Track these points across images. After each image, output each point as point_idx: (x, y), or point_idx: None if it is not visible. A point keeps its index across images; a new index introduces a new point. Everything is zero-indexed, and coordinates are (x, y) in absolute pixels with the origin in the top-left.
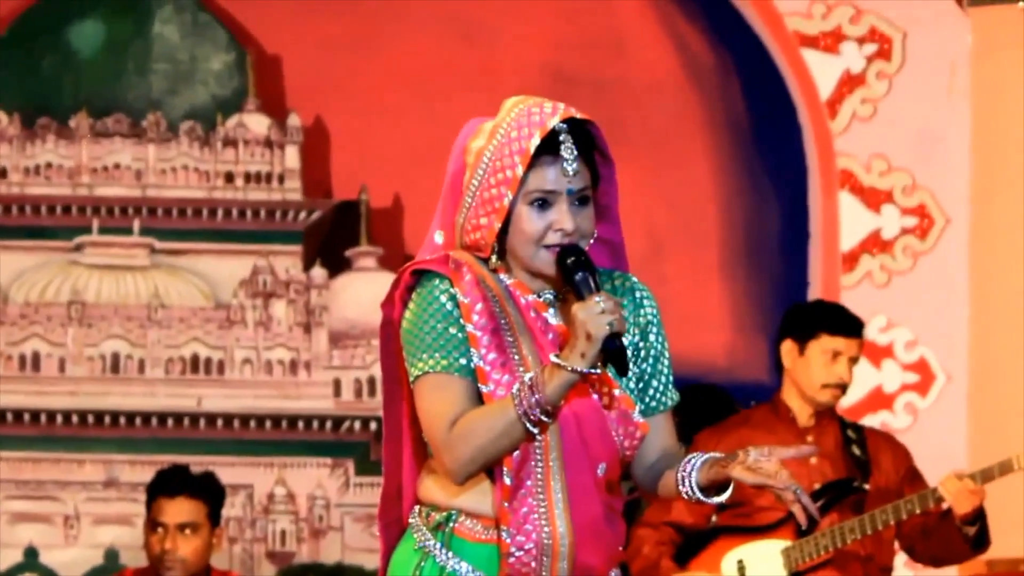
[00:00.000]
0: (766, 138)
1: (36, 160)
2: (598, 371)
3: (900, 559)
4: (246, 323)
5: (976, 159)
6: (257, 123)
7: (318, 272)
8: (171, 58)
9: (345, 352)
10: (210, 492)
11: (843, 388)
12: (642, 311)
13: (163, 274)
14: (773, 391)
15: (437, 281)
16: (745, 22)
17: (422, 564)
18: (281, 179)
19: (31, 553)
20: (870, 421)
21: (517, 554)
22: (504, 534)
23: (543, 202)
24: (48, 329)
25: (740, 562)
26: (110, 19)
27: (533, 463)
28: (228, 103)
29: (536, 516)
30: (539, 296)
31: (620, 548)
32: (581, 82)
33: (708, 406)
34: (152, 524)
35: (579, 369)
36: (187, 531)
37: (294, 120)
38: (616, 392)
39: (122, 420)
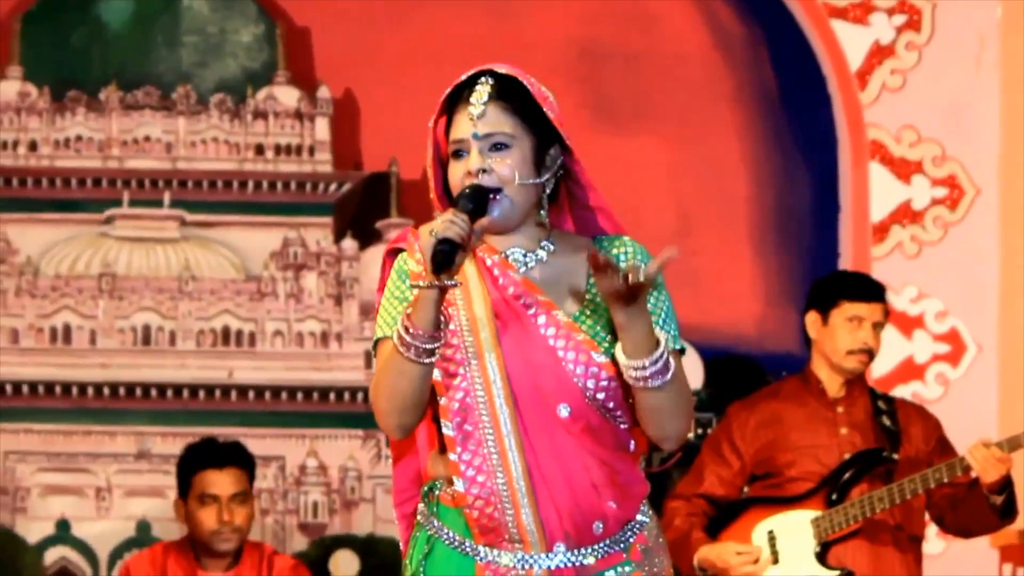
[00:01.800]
0: (796, 110)
1: (66, 133)
2: (453, 283)
3: (932, 530)
4: (277, 295)
5: (1005, 130)
6: (287, 95)
7: (349, 244)
8: (201, 30)
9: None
10: (248, 461)
11: (869, 354)
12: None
13: (194, 246)
14: (803, 362)
15: (400, 256)
16: None
17: (416, 535)
18: (311, 151)
19: (63, 525)
20: (901, 391)
21: (476, 504)
22: (458, 484)
23: (458, 152)
24: (79, 302)
25: (771, 532)
26: None
27: (478, 411)
28: (258, 75)
29: (488, 464)
30: (505, 255)
31: (610, 503)
32: (609, 55)
33: (739, 377)
34: (200, 498)
35: (428, 283)
36: (239, 501)
37: (324, 92)
38: (578, 336)
39: (153, 392)
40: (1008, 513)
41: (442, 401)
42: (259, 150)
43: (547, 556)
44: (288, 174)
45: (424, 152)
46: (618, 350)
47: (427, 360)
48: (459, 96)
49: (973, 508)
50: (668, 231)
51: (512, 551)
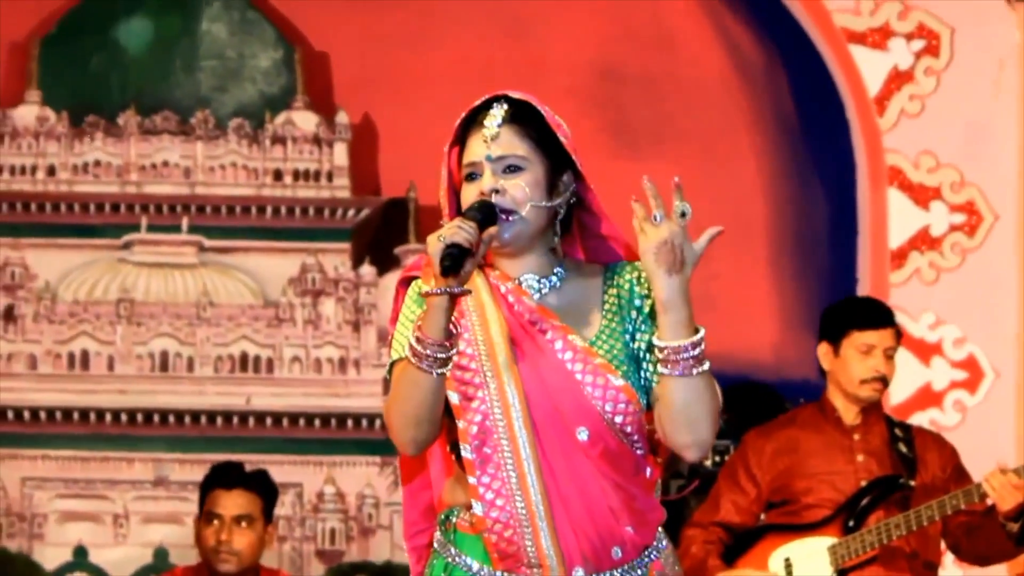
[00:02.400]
0: (814, 135)
1: (84, 158)
2: (463, 290)
3: (949, 558)
4: (295, 321)
5: None
6: (305, 120)
7: (367, 270)
8: (219, 55)
9: None
10: (265, 488)
11: (883, 381)
12: (636, 289)
13: (212, 272)
14: (821, 389)
15: (413, 283)
16: (793, 18)
17: (433, 562)
18: (330, 176)
19: (80, 552)
20: (919, 419)
21: (495, 528)
22: (477, 508)
23: (472, 175)
24: (97, 327)
25: (787, 560)
26: (158, 16)
27: (496, 435)
28: (276, 100)
29: (507, 488)
30: (519, 282)
31: (627, 528)
32: (629, 78)
33: (756, 404)
34: (207, 516)
35: (438, 290)
36: (243, 524)
37: (342, 117)
38: (596, 360)
39: (171, 418)
40: None
41: (460, 424)
42: (277, 175)
43: None
44: (306, 199)
45: (439, 177)
46: (656, 338)
47: (439, 370)
48: (472, 121)
49: (989, 536)
50: None
51: None
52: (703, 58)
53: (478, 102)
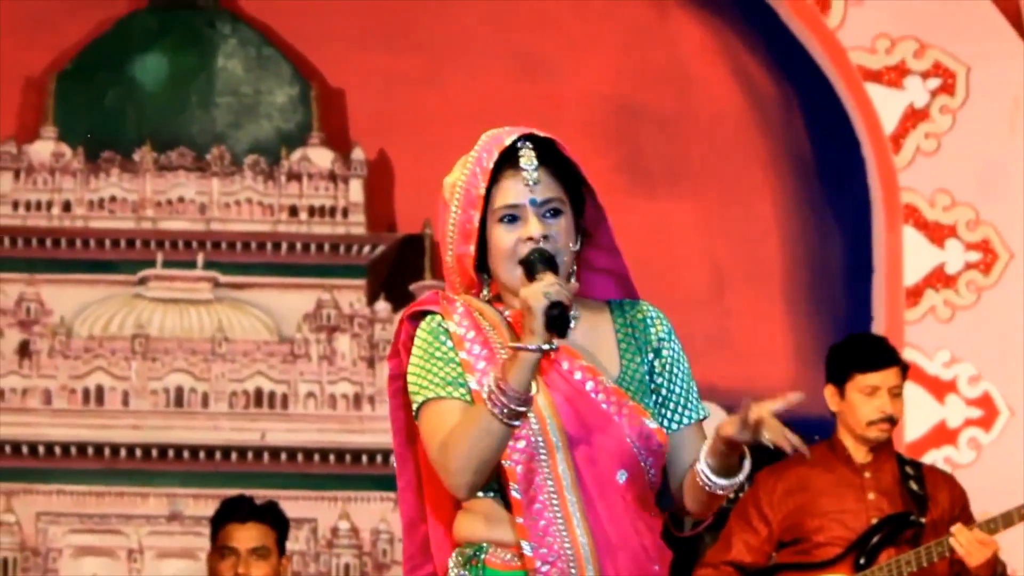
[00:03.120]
0: (830, 172)
1: (100, 193)
2: (554, 346)
3: None
4: (310, 357)
5: None
6: (321, 157)
7: (382, 306)
8: (235, 91)
9: None
10: (278, 520)
11: (890, 420)
12: (652, 330)
13: (227, 308)
14: (835, 427)
15: (430, 318)
16: (808, 56)
17: None
18: (345, 213)
19: None
20: (934, 456)
21: (543, 568)
22: (527, 548)
23: (511, 217)
24: (112, 363)
25: None
26: (174, 52)
27: (541, 476)
28: (292, 137)
29: (555, 528)
30: None
31: (656, 567)
32: (643, 116)
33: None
34: (221, 551)
35: (531, 346)
36: (258, 556)
37: (358, 154)
38: (628, 402)
39: (186, 454)
40: None
41: (506, 464)
42: (293, 211)
43: None
44: (322, 236)
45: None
46: (704, 466)
47: (516, 423)
48: (503, 161)
49: None
50: (702, 293)
51: None
52: (719, 95)
53: (505, 140)
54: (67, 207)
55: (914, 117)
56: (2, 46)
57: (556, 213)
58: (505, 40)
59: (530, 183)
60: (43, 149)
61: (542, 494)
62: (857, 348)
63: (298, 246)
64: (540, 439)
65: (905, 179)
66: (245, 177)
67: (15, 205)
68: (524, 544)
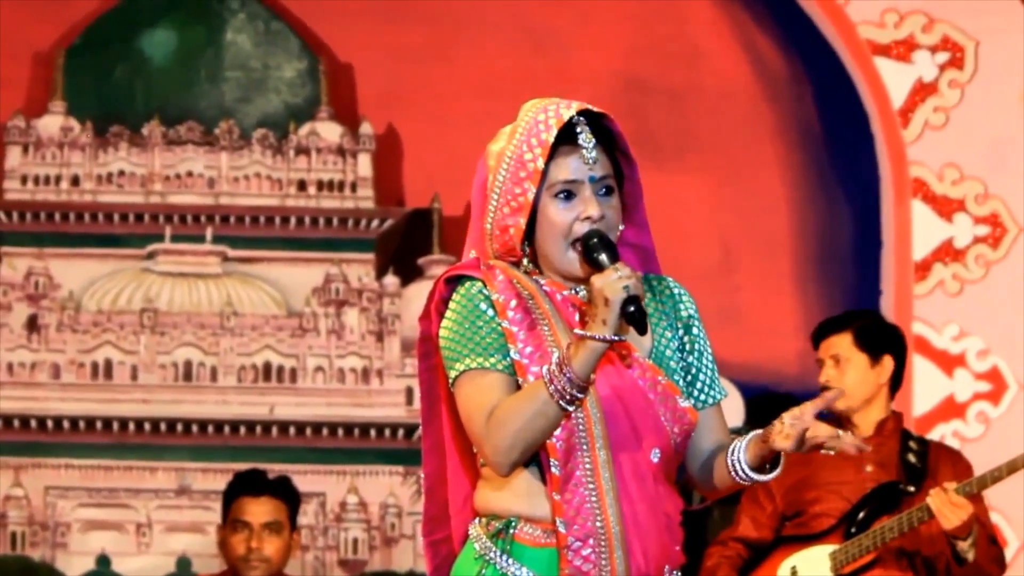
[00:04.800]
0: (838, 147)
1: (109, 168)
2: (622, 338)
3: None
4: (319, 331)
5: None
6: (330, 131)
7: (391, 280)
8: (244, 66)
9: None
10: (290, 494)
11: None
12: (681, 307)
13: (235, 282)
14: None
15: (470, 284)
16: (817, 30)
17: (483, 572)
18: (354, 187)
19: (103, 561)
20: (942, 430)
21: (575, 545)
22: (560, 525)
23: (568, 193)
24: (120, 337)
25: (793, 568)
26: (182, 27)
27: (580, 452)
28: (301, 111)
29: (588, 506)
30: (575, 292)
31: (677, 548)
32: (653, 90)
33: (780, 414)
34: (234, 524)
35: (603, 337)
36: (271, 531)
37: (367, 128)
38: (661, 379)
39: (194, 428)
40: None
41: (549, 440)
42: (301, 186)
43: None
44: (330, 210)
45: (465, 189)
46: (741, 458)
47: (571, 408)
48: (562, 136)
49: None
50: (711, 267)
51: None
52: (728, 70)
53: (564, 114)
54: (75, 181)
55: (923, 91)
56: (11, 21)
57: (609, 191)
58: (514, 14)
59: (589, 161)
60: (52, 123)
61: (579, 470)
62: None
63: (307, 220)
64: (580, 416)
65: (914, 153)
66: (254, 151)
67: (24, 180)
68: (559, 521)
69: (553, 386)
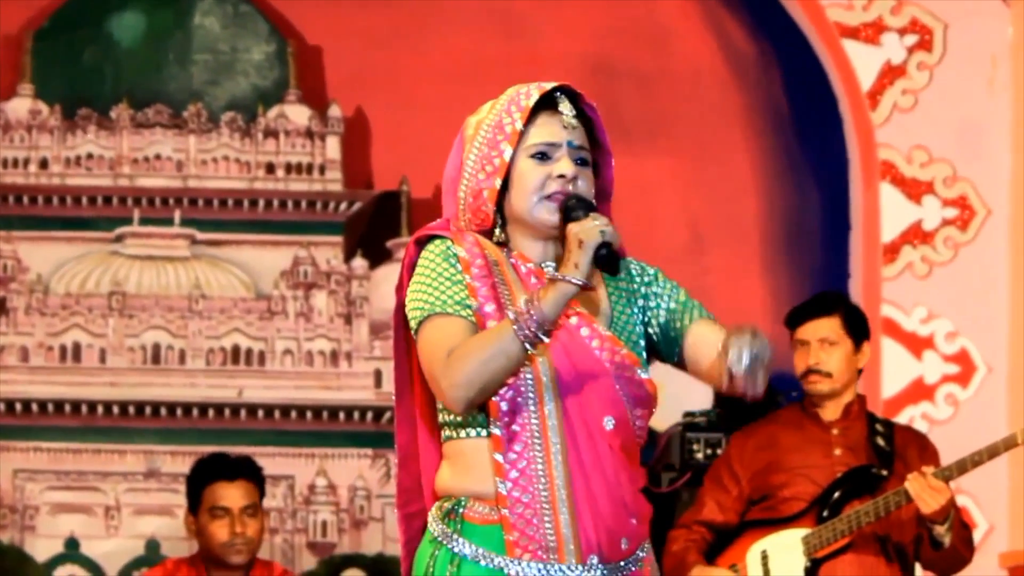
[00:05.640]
0: (807, 129)
1: (77, 151)
2: (592, 284)
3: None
4: (287, 314)
5: (1017, 151)
6: (298, 114)
7: (359, 263)
8: (212, 49)
9: (386, 343)
10: (259, 476)
11: (819, 372)
12: (637, 279)
13: (204, 265)
14: None
15: (438, 241)
16: (786, 13)
17: (436, 553)
18: (322, 170)
19: (72, 544)
20: (911, 412)
21: (516, 508)
22: (501, 487)
23: (543, 155)
24: (89, 320)
25: (763, 552)
26: (151, 10)
27: (525, 414)
28: (269, 94)
29: (532, 469)
30: (541, 266)
31: (633, 521)
32: (622, 74)
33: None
34: (212, 511)
35: (573, 279)
36: (248, 514)
37: (335, 111)
38: (621, 349)
39: (163, 411)
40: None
41: (493, 398)
42: (270, 168)
43: (583, 568)
44: (299, 193)
45: (434, 171)
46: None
47: (533, 350)
48: (539, 105)
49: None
50: (680, 250)
51: (545, 561)
52: (696, 53)
53: (545, 85)
54: (44, 164)
55: (891, 74)
56: None
57: (584, 163)
58: None
59: (568, 126)
60: (20, 106)
61: (524, 433)
62: (794, 307)
63: (275, 203)
64: (529, 377)
65: (882, 135)
66: (222, 134)
67: None
68: (499, 482)
69: (518, 324)
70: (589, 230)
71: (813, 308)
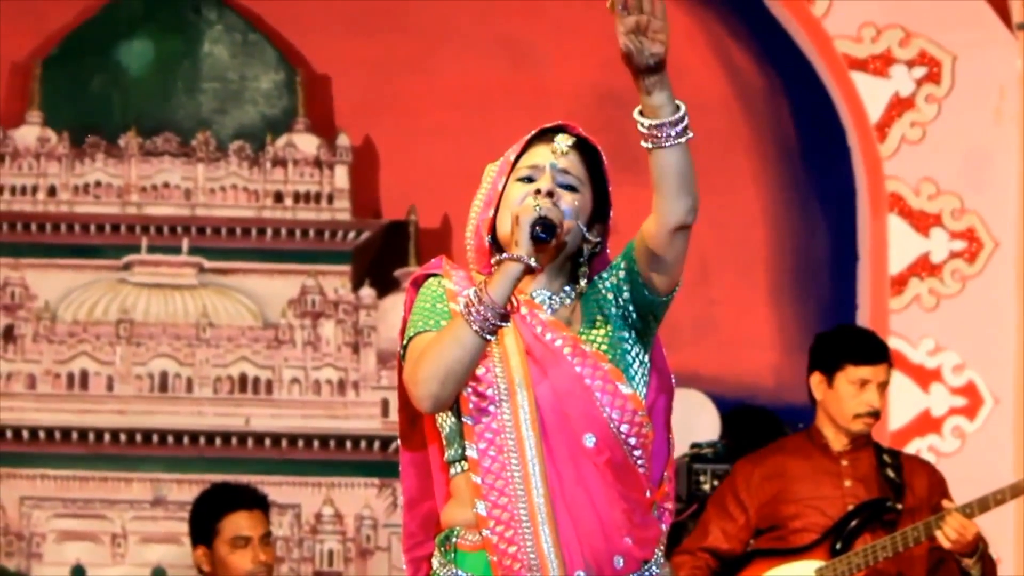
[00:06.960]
0: (815, 161)
1: (85, 179)
2: (537, 263)
3: None
4: (294, 343)
5: None
6: (306, 143)
7: (367, 292)
8: (221, 77)
9: (393, 372)
10: (267, 504)
11: (876, 415)
12: (605, 285)
13: (212, 293)
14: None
15: (431, 280)
16: (795, 45)
17: None
18: (330, 199)
19: (78, 571)
20: (918, 445)
21: (496, 529)
22: (481, 508)
23: (529, 178)
24: (96, 347)
25: None
26: (160, 38)
27: (504, 435)
28: (277, 122)
29: (511, 488)
30: (531, 296)
31: (628, 540)
32: (629, 103)
33: (756, 429)
34: (233, 541)
35: (516, 256)
36: (266, 543)
37: (343, 140)
38: (604, 364)
39: (170, 439)
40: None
41: (468, 421)
42: (278, 197)
43: None
44: (307, 222)
45: (442, 200)
46: (643, 117)
47: (489, 337)
48: (537, 138)
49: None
50: (686, 280)
51: None
52: (704, 83)
53: (547, 125)
54: (52, 192)
55: (899, 106)
56: None
57: (570, 188)
58: (491, 27)
59: (557, 151)
60: (28, 134)
61: (502, 454)
62: (851, 340)
63: (283, 232)
64: (504, 398)
65: (890, 168)
66: (230, 163)
67: (0, 190)
68: (479, 503)
69: (468, 312)
70: (525, 207)
71: (880, 350)
